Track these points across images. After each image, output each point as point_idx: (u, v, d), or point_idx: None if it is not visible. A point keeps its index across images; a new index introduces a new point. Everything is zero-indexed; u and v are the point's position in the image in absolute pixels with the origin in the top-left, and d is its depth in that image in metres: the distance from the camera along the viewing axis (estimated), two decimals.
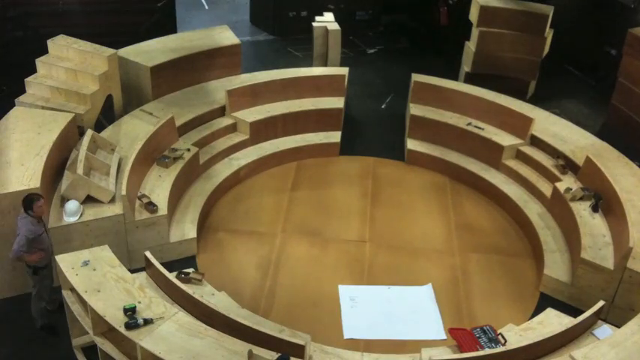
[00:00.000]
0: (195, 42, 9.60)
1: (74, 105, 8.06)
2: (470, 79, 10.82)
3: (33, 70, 8.44)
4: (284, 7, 13.37)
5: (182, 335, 5.03)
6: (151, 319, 5.10)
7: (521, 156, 8.66)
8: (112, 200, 6.88)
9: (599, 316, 5.87)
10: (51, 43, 8.53)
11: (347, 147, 9.58)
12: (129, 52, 9.13)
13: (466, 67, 11.19)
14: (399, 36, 13.90)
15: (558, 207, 7.70)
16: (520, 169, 8.51)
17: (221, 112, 9.00)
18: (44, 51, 8.57)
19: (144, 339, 4.95)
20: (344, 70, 9.91)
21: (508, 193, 8.31)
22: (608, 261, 6.68)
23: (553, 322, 6.05)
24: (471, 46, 11.07)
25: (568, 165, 8.15)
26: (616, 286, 6.60)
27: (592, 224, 7.17)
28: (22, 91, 8.31)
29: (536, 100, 10.48)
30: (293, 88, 9.45)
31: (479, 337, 5.79)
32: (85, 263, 5.59)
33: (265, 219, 8.00)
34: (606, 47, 11.54)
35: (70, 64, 8.35)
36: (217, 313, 5.37)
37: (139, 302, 5.26)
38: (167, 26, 11.54)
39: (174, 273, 6.23)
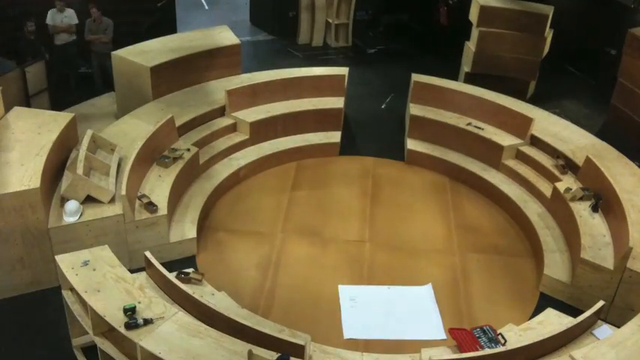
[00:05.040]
0: (195, 42, 9.60)
1: None
2: (470, 79, 10.82)
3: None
4: (284, 7, 13.37)
5: (182, 335, 5.03)
6: (151, 319, 5.10)
7: (521, 156, 8.67)
8: (112, 200, 6.88)
9: (599, 316, 5.87)
10: None
11: (347, 147, 9.58)
12: (129, 52, 9.13)
13: (466, 67, 11.19)
14: (399, 36, 13.90)
15: (558, 207, 7.70)
16: (520, 169, 8.51)
17: (221, 112, 9.00)
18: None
19: (144, 339, 4.95)
20: (344, 70, 9.91)
21: (508, 193, 8.31)
22: (608, 261, 6.68)
23: (553, 322, 6.05)
24: (470, 46, 11.07)
25: (568, 165, 8.15)
26: (616, 286, 6.60)
27: (592, 224, 7.17)
28: None
29: (536, 100, 10.48)
30: (293, 88, 9.45)
31: (479, 337, 5.79)
32: (85, 263, 5.59)
33: (265, 219, 8.00)
34: (606, 47, 11.54)
35: None
36: (217, 313, 5.37)
37: (139, 302, 5.26)
38: (167, 26, 11.54)
39: (174, 273, 6.23)
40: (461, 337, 5.81)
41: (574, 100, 11.46)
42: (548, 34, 10.87)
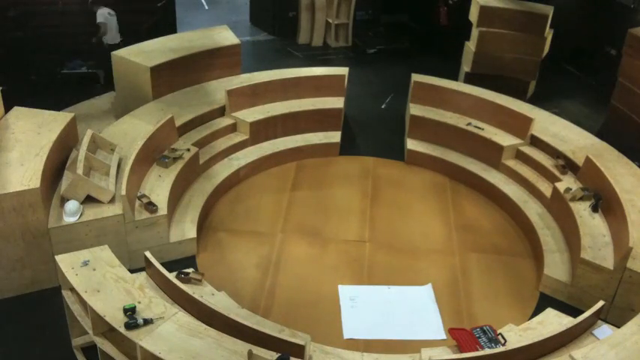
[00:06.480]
0: (195, 42, 9.60)
1: None
2: (470, 79, 10.82)
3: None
4: (284, 7, 13.38)
5: (182, 335, 5.03)
6: (151, 319, 5.10)
7: (521, 156, 8.66)
8: (112, 200, 6.87)
9: (599, 316, 5.86)
10: None
11: (347, 147, 9.58)
12: (129, 52, 9.13)
13: (466, 67, 11.19)
14: (399, 36, 13.90)
15: (558, 207, 7.70)
16: (520, 169, 8.51)
17: (221, 112, 9.00)
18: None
19: (144, 339, 4.95)
20: (344, 70, 9.91)
21: (508, 193, 8.31)
22: (608, 261, 6.68)
23: (553, 322, 6.05)
24: (470, 46, 11.07)
25: (568, 165, 8.15)
26: (616, 286, 6.60)
27: (592, 224, 7.17)
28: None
29: (536, 100, 10.48)
30: (293, 88, 9.45)
31: (479, 337, 5.79)
32: (85, 263, 5.60)
33: (265, 219, 8.00)
34: (606, 47, 11.55)
35: None
36: (217, 313, 5.37)
37: (139, 302, 5.26)
38: (167, 26, 11.55)
39: (174, 273, 6.23)
40: (461, 337, 5.81)
41: (574, 100, 11.46)
42: (548, 34, 10.87)
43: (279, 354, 4.93)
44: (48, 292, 6.66)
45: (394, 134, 10.02)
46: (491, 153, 8.77)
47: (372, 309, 6.77)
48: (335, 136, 9.44)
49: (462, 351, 5.64)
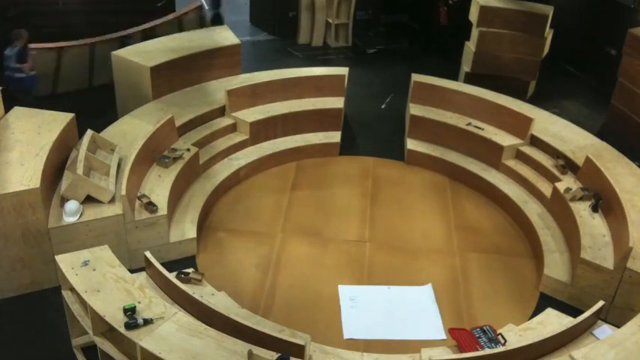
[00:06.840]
0: (195, 42, 9.60)
1: None
2: (470, 79, 10.82)
3: None
4: (284, 7, 13.38)
5: (182, 335, 5.03)
6: (151, 319, 5.10)
7: (521, 156, 8.66)
8: (112, 200, 6.87)
9: (599, 316, 5.87)
10: None
11: (347, 147, 9.58)
12: (129, 52, 9.14)
13: (466, 67, 11.19)
14: (399, 36, 13.90)
15: (558, 207, 7.70)
16: (520, 169, 8.51)
17: (221, 112, 9.00)
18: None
19: (144, 339, 4.95)
20: (344, 70, 9.91)
21: (508, 193, 8.31)
22: (608, 261, 6.68)
23: (553, 322, 6.05)
24: (470, 46, 11.07)
25: (568, 165, 8.15)
26: (616, 286, 6.60)
27: (592, 224, 7.17)
28: None
29: (536, 100, 10.48)
30: (293, 88, 9.45)
31: (479, 337, 5.79)
32: (85, 263, 5.60)
33: (265, 219, 8.00)
34: (606, 47, 11.55)
35: None
36: (217, 313, 5.37)
37: (139, 302, 5.26)
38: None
39: (174, 273, 6.23)
40: (461, 337, 5.81)
41: (574, 100, 11.46)
42: (548, 34, 10.87)
43: (279, 354, 4.93)
44: (48, 292, 6.66)
45: (394, 134, 10.02)
46: (491, 153, 8.77)
47: (372, 309, 6.77)
48: (335, 136, 9.44)
49: (462, 351, 5.65)
